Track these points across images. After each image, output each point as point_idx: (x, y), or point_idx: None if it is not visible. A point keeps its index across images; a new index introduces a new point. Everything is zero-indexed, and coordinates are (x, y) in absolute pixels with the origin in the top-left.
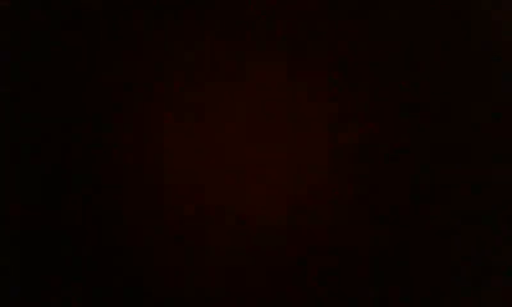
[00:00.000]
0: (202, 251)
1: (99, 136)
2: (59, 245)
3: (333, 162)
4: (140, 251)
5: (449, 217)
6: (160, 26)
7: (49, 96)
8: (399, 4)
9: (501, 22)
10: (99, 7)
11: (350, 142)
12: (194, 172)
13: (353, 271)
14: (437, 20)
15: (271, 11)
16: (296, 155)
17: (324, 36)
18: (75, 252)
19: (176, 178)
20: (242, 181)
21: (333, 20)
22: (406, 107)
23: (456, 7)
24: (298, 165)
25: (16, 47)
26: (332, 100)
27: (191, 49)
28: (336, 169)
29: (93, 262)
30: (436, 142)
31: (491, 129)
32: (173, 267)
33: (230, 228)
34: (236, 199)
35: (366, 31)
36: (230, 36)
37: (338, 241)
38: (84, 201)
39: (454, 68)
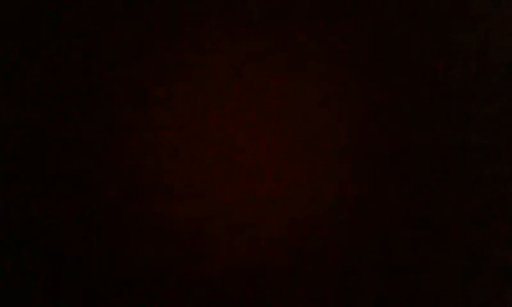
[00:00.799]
0: (202, 251)
1: (99, 136)
2: (59, 246)
3: (333, 162)
4: (140, 251)
5: (449, 217)
6: (160, 26)
7: (49, 96)
8: (399, 4)
9: (501, 22)
10: (99, 7)
11: (350, 142)
12: (194, 172)
13: (353, 271)
14: (437, 20)
15: (271, 11)
16: (296, 154)
17: (325, 36)
18: (75, 252)
19: (176, 178)
20: (242, 181)
21: (333, 20)
22: (406, 107)
23: (455, 7)
24: (298, 165)
25: (16, 45)
26: (332, 99)
27: (191, 49)
28: (337, 169)
29: (92, 262)
30: (437, 142)
31: (492, 129)
32: (173, 267)
33: (230, 228)
34: (236, 199)
35: (366, 31)
36: (230, 36)
37: (338, 241)
38: (84, 201)
39: (454, 68)
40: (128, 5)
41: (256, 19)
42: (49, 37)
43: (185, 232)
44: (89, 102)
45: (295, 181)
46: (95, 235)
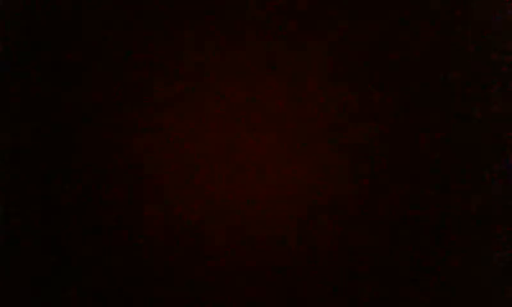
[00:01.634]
0: (202, 251)
1: (99, 136)
2: (59, 245)
3: (333, 162)
4: (140, 251)
5: (450, 217)
6: (161, 26)
7: (49, 96)
8: (399, 4)
9: (501, 21)
10: (100, 6)
11: (350, 142)
12: (194, 172)
13: (354, 271)
14: (437, 20)
15: (271, 11)
16: (296, 154)
17: (325, 35)
18: (75, 252)
19: (176, 178)
20: (242, 181)
21: (334, 20)
22: (406, 107)
23: (456, 6)
24: (298, 165)
25: (15, 44)
26: (332, 100)
27: (191, 49)
28: (337, 169)
29: (92, 262)
30: (437, 143)
31: (492, 129)
32: (172, 267)
33: (231, 228)
34: (236, 199)
35: (367, 31)
36: (231, 36)
37: (339, 241)
38: (84, 201)
39: (455, 68)
40: (128, 5)
41: (257, 19)
42: (49, 37)
43: (185, 232)
44: (89, 102)
45: (295, 181)
46: (94, 235)
